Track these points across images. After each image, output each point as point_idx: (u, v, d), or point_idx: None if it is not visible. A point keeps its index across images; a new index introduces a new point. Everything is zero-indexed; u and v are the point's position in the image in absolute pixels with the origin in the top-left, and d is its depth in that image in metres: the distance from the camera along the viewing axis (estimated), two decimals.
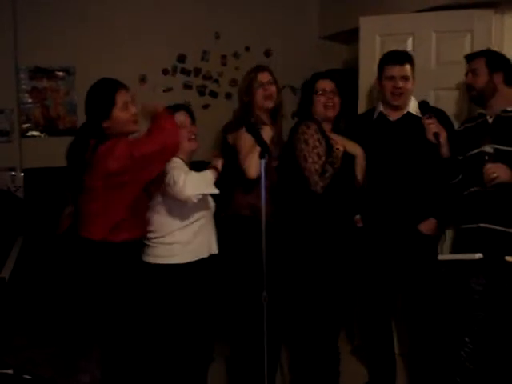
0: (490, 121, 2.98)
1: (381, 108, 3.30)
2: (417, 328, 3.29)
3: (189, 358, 2.92)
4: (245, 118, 3.15)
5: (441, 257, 3.06)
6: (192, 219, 2.85)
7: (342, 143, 3.11)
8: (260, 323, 2.75)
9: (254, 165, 2.90)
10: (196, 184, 2.70)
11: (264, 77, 3.25)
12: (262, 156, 2.72)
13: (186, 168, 2.83)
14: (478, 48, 3.48)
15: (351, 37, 4.34)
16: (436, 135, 3.02)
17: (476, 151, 2.95)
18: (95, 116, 2.63)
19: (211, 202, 3.02)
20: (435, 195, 3.17)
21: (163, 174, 2.72)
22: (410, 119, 3.23)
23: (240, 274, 3.12)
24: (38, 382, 2.70)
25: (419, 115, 3.19)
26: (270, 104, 3.24)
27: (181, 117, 2.91)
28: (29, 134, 4.36)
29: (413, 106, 3.25)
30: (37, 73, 4.34)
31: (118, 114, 2.62)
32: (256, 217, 2.88)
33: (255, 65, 3.39)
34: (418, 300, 3.23)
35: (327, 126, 3.18)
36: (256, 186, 2.91)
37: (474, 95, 3.06)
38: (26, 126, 4.34)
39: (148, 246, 2.85)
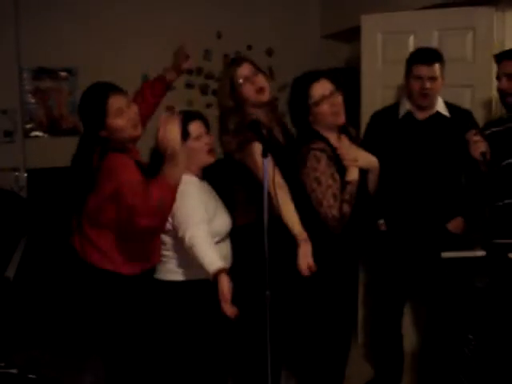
0: None
1: (407, 106, 3.18)
2: (425, 325, 3.29)
3: (204, 378, 2.78)
4: (241, 130, 2.77)
5: (444, 254, 3.03)
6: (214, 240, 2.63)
7: (355, 161, 2.78)
8: (263, 324, 2.70)
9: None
10: (198, 257, 2.42)
11: (244, 69, 2.83)
12: (264, 154, 2.50)
13: (204, 196, 2.65)
14: (479, 45, 3.50)
15: (353, 35, 4.34)
16: (483, 154, 2.81)
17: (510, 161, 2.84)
18: (90, 127, 2.47)
19: (228, 220, 2.80)
20: (463, 195, 3.11)
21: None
22: (438, 119, 3.15)
23: (244, 275, 3.06)
24: (42, 382, 2.70)
25: (447, 114, 3.14)
26: (264, 97, 2.84)
27: (197, 128, 2.67)
28: (32, 134, 4.37)
29: (441, 105, 3.18)
30: (40, 73, 4.35)
31: (113, 121, 2.44)
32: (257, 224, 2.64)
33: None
34: (426, 298, 3.23)
35: (335, 134, 2.86)
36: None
37: (510, 101, 2.87)
38: (29, 126, 4.36)
39: (161, 261, 2.70)
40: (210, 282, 2.49)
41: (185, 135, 2.62)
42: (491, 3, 3.51)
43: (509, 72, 2.84)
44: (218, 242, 2.69)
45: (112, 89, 2.49)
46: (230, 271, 2.79)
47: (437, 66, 3.06)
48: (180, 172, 2.38)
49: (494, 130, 3.01)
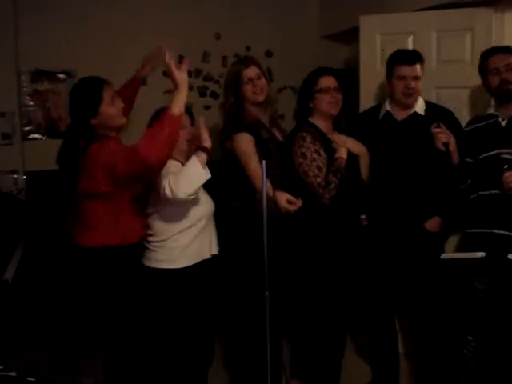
0: (504, 123, 2.95)
1: (387, 107, 3.28)
2: (420, 327, 3.29)
3: (190, 361, 2.90)
4: (239, 120, 3.08)
5: (444, 256, 3.04)
6: (192, 221, 2.82)
7: (345, 144, 3.09)
8: (262, 322, 2.73)
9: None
10: (185, 183, 2.58)
11: (251, 72, 3.13)
12: (263, 157, 2.68)
13: (176, 169, 2.75)
14: (478, 47, 3.49)
15: (351, 36, 4.33)
16: (445, 145, 2.99)
17: (491, 154, 2.92)
18: (82, 114, 2.61)
19: (210, 202, 2.99)
20: (440, 194, 3.17)
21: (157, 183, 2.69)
22: (416, 119, 3.22)
23: (242, 273, 3.11)
24: None
25: (422, 113, 3.21)
26: (260, 98, 3.13)
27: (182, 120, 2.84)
28: (30, 136, 4.36)
29: (420, 106, 3.25)
30: (38, 75, 4.33)
31: (106, 109, 2.62)
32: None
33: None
34: (421, 299, 3.23)
35: (328, 125, 3.16)
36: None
37: (508, 91, 2.93)
38: (27, 128, 4.34)
39: (149, 249, 2.84)
40: (198, 269, 2.81)
41: None
42: (490, 4, 3.51)
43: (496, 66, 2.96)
44: (200, 224, 2.85)
45: (104, 80, 2.69)
46: (226, 262, 2.95)
47: (418, 66, 3.16)
48: (184, 102, 2.54)
49: (474, 126, 3.12)
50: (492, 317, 2.86)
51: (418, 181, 3.18)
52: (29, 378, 2.66)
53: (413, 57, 3.18)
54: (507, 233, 2.83)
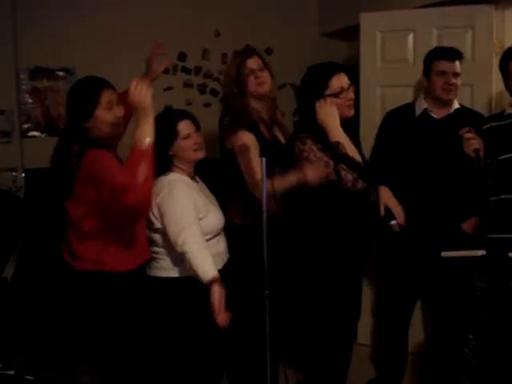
0: None
1: (425, 105, 3.20)
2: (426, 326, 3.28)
3: (199, 374, 2.77)
4: (241, 117, 2.91)
5: (444, 254, 3.01)
6: (205, 238, 2.64)
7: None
8: (262, 322, 2.70)
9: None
10: (193, 263, 2.46)
11: (254, 63, 2.98)
12: (263, 154, 2.55)
13: (184, 184, 2.66)
14: (479, 44, 3.48)
15: (352, 33, 4.32)
16: (476, 151, 2.86)
17: (509, 156, 2.86)
18: (76, 115, 2.47)
19: (221, 217, 2.81)
20: (478, 194, 3.08)
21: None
22: (455, 117, 3.15)
23: (243, 274, 3.06)
24: (40, 383, 2.69)
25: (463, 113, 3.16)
26: (264, 89, 2.99)
27: (186, 127, 2.67)
28: (29, 134, 4.35)
29: (457, 104, 3.20)
30: (37, 73, 4.32)
31: (101, 113, 2.45)
32: (253, 225, 2.68)
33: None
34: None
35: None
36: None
37: None
38: (26, 126, 4.33)
39: (154, 258, 2.70)
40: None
41: (173, 134, 2.65)
42: (491, 2, 3.50)
43: None
44: (211, 238, 2.70)
45: (106, 83, 2.53)
46: (228, 269, 2.82)
47: (458, 62, 3.11)
48: (151, 129, 2.30)
49: (492, 124, 3.03)
50: (492, 315, 2.85)
51: (455, 181, 3.11)
52: (27, 377, 2.65)
53: (453, 53, 3.12)
54: None
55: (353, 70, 4.11)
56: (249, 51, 3.07)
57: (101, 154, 2.41)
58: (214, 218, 2.74)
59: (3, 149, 4.22)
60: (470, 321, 2.91)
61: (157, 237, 2.68)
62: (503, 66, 2.98)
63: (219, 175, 3.03)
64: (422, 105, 3.22)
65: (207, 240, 2.65)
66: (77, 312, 2.67)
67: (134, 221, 2.51)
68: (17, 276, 3.48)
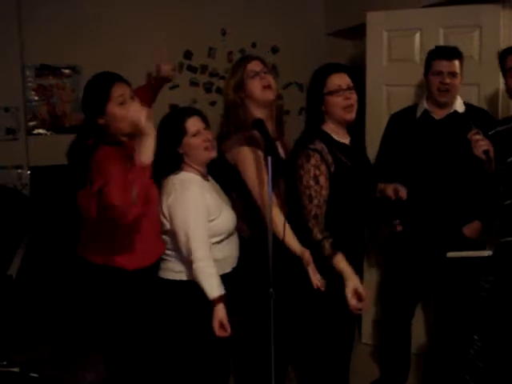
0: None
1: (425, 105, 3.17)
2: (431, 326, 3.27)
3: (206, 377, 2.75)
4: (241, 129, 2.73)
5: (450, 254, 2.99)
6: (213, 235, 2.61)
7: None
8: (267, 322, 2.69)
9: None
10: (200, 279, 2.48)
11: (256, 65, 2.79)
12: (268, 152, 2.47)
13: (194, 182, 2.60)
14: (486, 44, 3.47)
15: (358, 33, 4.31)
16: (486, 153, 2.76)
17: None
18: (90, 112, 2.44)
19: (233, 218, 2.73)
20: (480, 198, 3.04)
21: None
22: (456, 118, 3.11)
23: (246, 276, 3.03)
24: (44, 380, 2.69)
25: (463, 112, 3.12)
26: (270, 96, 2.78)
27: (194, 124, 2.60)
28: (35, 131, 4.36)
29: (459, 105, 3.15)
30: (43, 70, 4.34)
31: (114, 109, 2.39)
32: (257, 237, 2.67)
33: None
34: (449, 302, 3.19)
35: (342, 131, 2.75)
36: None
37: None
38: (32, 123, 4.34)
39: (165, 260, 2.66)
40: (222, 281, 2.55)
41: (182, 132, 2.59)
42: (498, 1, 3.48)
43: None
44: (223, 240, 2.66)
45: (118, 78, 2.47)
46: (235, 272, 2.81)
47: (457, 62, 3.05)
48: (152, 144, 2.25)
49: (499, 129, 2.99)
50: (498, 316, 2.84)
51: (457, 183, 3.06)
52: (32, 374, 2.66)
53: (451, 52, 3.07)
54: None
55: (358, 71, 4.11)
56: (248, 57, 2.91)
57: (108, 157, 2.37)
58: (226, 218, 2.68)
59: (9, 146, 4.23)
60: (475, 322, 2.90)
61: (166, 238, 2.64)
62: (501, 64, 2.95)
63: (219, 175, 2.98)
64: (423, 105, 3.19)
65: (219, 242, 2.63)
66: (84, 306, 2.67)
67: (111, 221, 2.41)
68: (22, 273, 3.48)
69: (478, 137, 2.79)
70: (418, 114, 3.20)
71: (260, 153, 2.67)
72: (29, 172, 4.28)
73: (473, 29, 3.53)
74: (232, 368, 3.24)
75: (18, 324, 3.64)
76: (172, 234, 2.59)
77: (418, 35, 3.68)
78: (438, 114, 3.15)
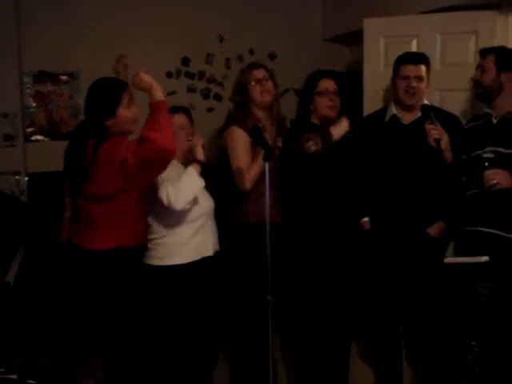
0: (495, 122, 2.93)
1: (394, 110, 3.26)
2: (424, 332, 3.27)
3: (194, 359, 2.90)
4: (240, 115, 3.15)
5: (447, 260, 3.03)
6: (191, 217, 2.82)
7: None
8: (264, 326, 2.73)
9: (251, 178, 2.98)
10: (184, 195, 2.68)
11: (259, 73, 3.21)
12: (266, 158, 2.70)
13: (173, 174, 2.74)
14: None
15: (355, 39, 4.33)
16: (437, 141, 2.96)
17: (477, 153, 2.91)
18: (99, 113, 2.58)
19: (210, 199, 2.99)
20: (443, 198, 3.13)
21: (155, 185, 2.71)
22: (422, 122, 3.14)
23: (245, 276, 3.10)
24: None
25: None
26: (267, 98, 3.20)
27: (179, 119, 2.93)
28: (33, 138, 4.36)
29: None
30: (41, 77, 4.34)
31: (123, 112, 2.59)
32: (261, 223, 2.83)
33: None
34: (424, 304, 3.21)
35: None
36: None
37: (479, 92, 3.01)
38: (29, 130, 4.35)
39: (149, 247, 2.83)
40: (200, 266, 2.83)
41: None
42: (494, 7, 3.50)
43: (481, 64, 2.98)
44: (194, 221, 2.85)
45: (126, 83, 2.69)
46: (230, 271, 2.93)
47: (423, 67, 3.18)
48: (159, 89, 2.52)
49: (472, 124, 3.10)
50: (495, 321, 2.85)
51: (423, 185, 3.15)
52: (29, 381, 2.65)
53: (417, 57, 3.20)
54: (493, 231, 2.80)
55: (356, 77, 4.13)
56: (256, 64, 3.34)
57: (118, 139, 2.55)
58: (204, 199, 2.90)
59: (6, 152, 4.23)
60: (472, 327, 2.90)
61: (151, 221, 2.83)
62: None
63: (220, 180, 3.07)
64: (391, 110, 3.28)
65: (197, 228, 2.86)
66: (82, 298, 2.75)
67: (164, 165, 2.53)
68: (19, 280, 3.48)
69: (431, 126, 2.99)
70: (387, 118, 3.29)
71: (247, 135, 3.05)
72: (26, 178, 4.28)
73: (469, 35, 3.56)
74: (227, 356, 3.35)
75: (16, 331, 3.64)
76: (155, 210, 2.79)
77: (414, 41, 3.70)
78: (406, 119, 3.23)
